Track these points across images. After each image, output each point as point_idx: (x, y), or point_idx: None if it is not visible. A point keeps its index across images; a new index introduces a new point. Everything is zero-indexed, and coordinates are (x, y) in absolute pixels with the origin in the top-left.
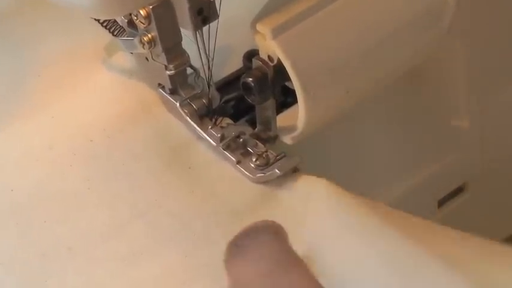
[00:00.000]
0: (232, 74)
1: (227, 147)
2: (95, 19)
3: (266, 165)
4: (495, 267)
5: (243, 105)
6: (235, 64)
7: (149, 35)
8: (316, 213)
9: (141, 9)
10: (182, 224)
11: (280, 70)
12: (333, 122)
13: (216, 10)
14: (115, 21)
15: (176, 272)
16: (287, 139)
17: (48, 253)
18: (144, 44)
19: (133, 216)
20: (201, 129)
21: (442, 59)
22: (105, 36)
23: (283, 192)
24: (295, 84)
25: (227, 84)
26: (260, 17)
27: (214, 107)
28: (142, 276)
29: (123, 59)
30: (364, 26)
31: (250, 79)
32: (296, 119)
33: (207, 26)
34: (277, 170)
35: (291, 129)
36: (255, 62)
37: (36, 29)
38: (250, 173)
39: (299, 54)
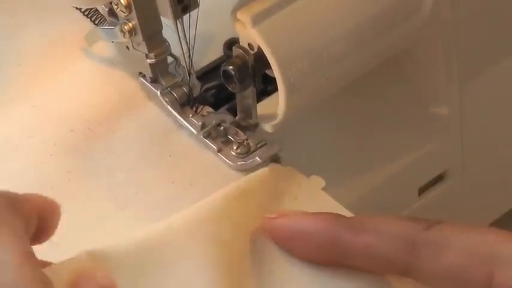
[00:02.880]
0: (213, 62)
1: (208, 136)
2: (77, 8)
3: (247, 153)
4: None
5: (223, 93)
6: (215, 52)
7: (130, 24)
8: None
9: None
10: (162, 216)
11: (260, 58)
12: (313, 110)
13: None
14: (96, 10)
15: None
16: (268, 127)
17: None
18: (124, 33)
19: (113, 209)
20: (182, 118)
21: (421, 46)
22: (86, 25)
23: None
24: (276, 72)
25: (208, 73)
26: (240, 5)
27: (195, 95)
28: None
29: (104, 48)
30: (344, 13)
31: (231, 67)
32: (276, 107)
33: (188, 14)
34: (258, 158)
35: (271, 117)
36: (236, 50)
37: (17, 18)
38: (231, 161)
39: (279, 42)
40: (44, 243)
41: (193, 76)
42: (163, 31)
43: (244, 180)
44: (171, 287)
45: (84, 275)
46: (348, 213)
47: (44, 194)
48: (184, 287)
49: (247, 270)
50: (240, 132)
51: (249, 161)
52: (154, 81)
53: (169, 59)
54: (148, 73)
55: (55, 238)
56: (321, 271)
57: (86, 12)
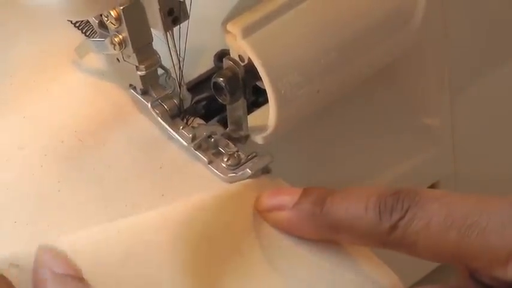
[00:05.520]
0: (203, 74)
1: (198, 147)
2: (68, 20)
3: (237, 165)
4: None
5: (214, 105)
6: (206, 64)
7: (120, 36)
8: None
9: (112, 10)
10: None
11: (251, 70)
12: (304, 121)
13: (187, 10)
14: (87, 21)
15: None
16: (258, 139)
17: None
18: (115, 45)
19: (103, 221)
20: (172, 130)
21: (412, 57)
22: (77, 37)
23: (254, 191)
24: (266, 83)
25: (198, 85)
26: (230, 17)
27: (185, 107)
28: None
29: (95, 60)
30: (334, 25)
31: (221, 79)
32: (267, 119)
33: (178, 26)
34: (248, 170)
35: (262, 128)
36: (226, 62)
37: (8, 29)
38: (221, 173)
39: (269, 54)
40: (33, 252)
41: (184, 88)
42: (153, 43)
43: (231, 187)
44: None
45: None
46: None
47: (34, 205)
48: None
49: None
50: (231, 144)
51: (239, 173)
52: (144, 93)
53: (160, 71)
54: (139, 85)
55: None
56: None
57: (77, 24)
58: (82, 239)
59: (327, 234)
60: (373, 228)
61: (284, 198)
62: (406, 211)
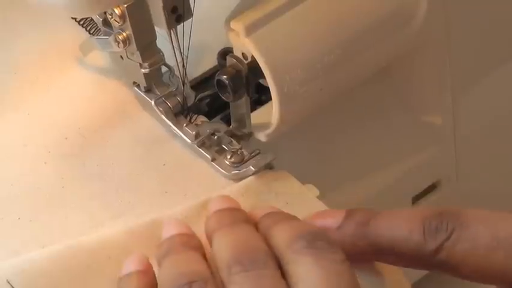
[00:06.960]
0: (207, 72)
1: (202, 145)
2: (72, 17)
3: (241, 162)
4: None
5: (217, 102)
6: (209, 62)
7: (124, 34)
8: None
9: (116, 7)
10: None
11: (254, 67)
12: (306, 119)
13: (190, 8)
14: (91, 19)
15: None
16: (261, 136)
17: (21, 251)
18: (118, 43)
19: (106, 218)
20: (176, 127)
21: (414, 55)
22: (81, 34)
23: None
24: (269, 81)
25: (202, 82)
26: (234, 14)
27: (189, 104)
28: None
29: (99, 57)
30: (337, 23)
31: (225, 77)
32: (270, 116)
33: (181, 24)
34: (251, 167)
35: (265, 126)
36: (229, 60)
37: (12, 27)
38: (225, 170)
39: (273, 52)
40: (35, 248)
41: (187, 85)
42: (157, 41)
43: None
44: None
45: None
46: None
47: (38, 201)
48: None
49: None
50: (234, 142)
51: (242, 170)
52: (148, 90)
53: (164, 69)
54: (143, 83)
55: (48, 243)
56: None
57: (81, 22)
58: (62, 253)
59: (370, 256)
60: (418, 250)
61: (328, 221)
62: (451, 232)
